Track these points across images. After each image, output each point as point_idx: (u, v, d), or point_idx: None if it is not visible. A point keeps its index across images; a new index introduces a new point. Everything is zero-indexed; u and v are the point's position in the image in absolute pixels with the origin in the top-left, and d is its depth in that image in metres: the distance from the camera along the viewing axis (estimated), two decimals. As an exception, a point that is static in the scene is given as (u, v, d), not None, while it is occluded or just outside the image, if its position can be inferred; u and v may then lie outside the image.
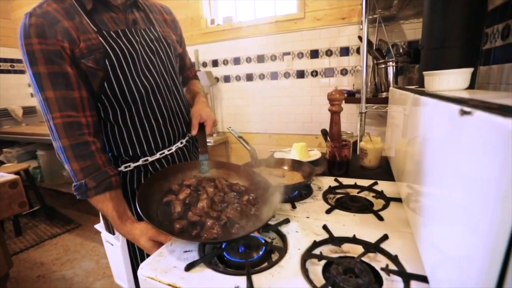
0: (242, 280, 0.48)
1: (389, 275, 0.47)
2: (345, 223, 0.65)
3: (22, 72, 3.58)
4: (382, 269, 0.48)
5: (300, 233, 0.62)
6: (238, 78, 2.65)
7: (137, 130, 0.76)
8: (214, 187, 0.72)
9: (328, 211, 0.71)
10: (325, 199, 0.79)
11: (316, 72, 2.31)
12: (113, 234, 0.77)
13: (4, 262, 1.29)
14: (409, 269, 0.48)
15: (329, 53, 2.23)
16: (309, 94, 2.38)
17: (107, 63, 0.68)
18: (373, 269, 0.50)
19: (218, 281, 0.49)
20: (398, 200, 0.75)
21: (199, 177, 0.77)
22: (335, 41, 2.19)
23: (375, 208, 0.73)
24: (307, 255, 0.53)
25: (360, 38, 1.80)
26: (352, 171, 1.02)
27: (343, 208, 0.73)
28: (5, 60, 3.42)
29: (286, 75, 2.44)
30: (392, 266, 0.49)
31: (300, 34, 2.29)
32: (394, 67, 1.54)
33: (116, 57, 0.69)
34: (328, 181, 0.91)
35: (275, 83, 2.50)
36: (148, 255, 0.60)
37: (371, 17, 1.70)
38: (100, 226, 0.82)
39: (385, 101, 1.52)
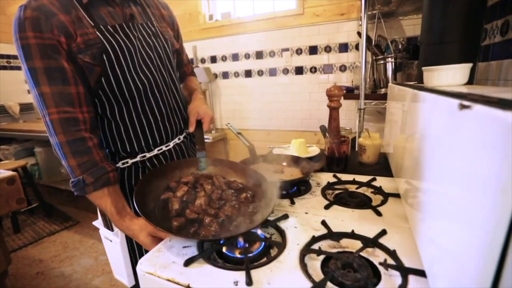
0: (241, 275, 0.48)
1: (387, 270, 0.48)
2: (344, 219, 0.66)
3: (18, 68, 3.55)
4: (380, 263, 0.48)
5: (299, 228, 0.62)
6: (236, 74, 2.64)
7: (135, 126, 0.75)
8: (212, 184, 0.72)
9: (326, 207, 0.71)
10: (324, 195, 0.79)
11: (315, 68, 2.31)
12: (112, 230, 0.77)
13: (3, 259, 1.29)
14: (407, 263, 0.49)
15: (328, 49, 2.22)
16: (308, 91, 2.37)
17: (105, 58, 0.67)
18: (371, 263, 0.50)
19: (217, 276, 0.49)
20: (397, 195, 0.75)
21: (197, 174, 0.77)
22: (334, 37, 2.18)
23: (374, 203, 0.73)
24: (306, 250, 0.54)
25: (359, 34, 1.80)
26: (351, 167, 1.02)
27: (342, 203, 0.73)
28: (1, 56, 3.38)
29: (285, 71, 2.43)
30: (390, 261, 0.50)
31: (299, 30, 2.28)
32: (393, 63, 1.54)
33: (114, 52, 0.68)
34: (326, 177, 0.92)
35: (273, 80, 2.49)
36: (146, 251, 0.60)
37: (370, 13, 1.70)
38: (98, 223, 0.82)
39: (384, 97, 1.52)
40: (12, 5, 3.47)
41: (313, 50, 2.28)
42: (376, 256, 0.52)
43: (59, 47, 0.62)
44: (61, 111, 0.63)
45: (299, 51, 2.33)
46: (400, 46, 1.65)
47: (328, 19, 2.16)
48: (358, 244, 0.55)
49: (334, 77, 2.26)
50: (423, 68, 0.73)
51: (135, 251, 0.78)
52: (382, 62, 1.58)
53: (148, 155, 0.78)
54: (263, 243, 0.57)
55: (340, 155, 0.96)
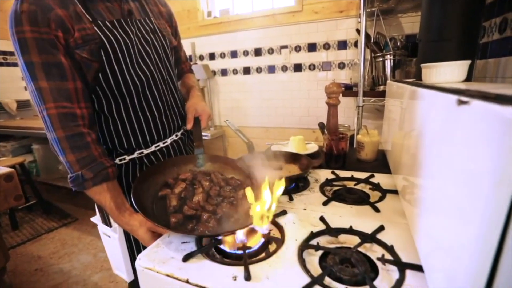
0: (239, 271, 0.48)
1: (384, 265, 0.48)
2: (342, 215, 0.66)
3: (15, 65, 3.52)
4: (378, 258, 0.49)
5: (297, 224, 0.63)
6: (235, 71, 2.64)
7: (132, 122, 0.75)
8: (210, 181, 0.72)
9: (325, 203, 0.72)
10: (322, 191, 0.80)
11: (314, 65, 2.30)
12: (110, 226, 0.77)
13: (1, 256, 1.29)
14: (405, 258, 0.49)
15: (326, 46, 2.22)
16: (306, 88, 2.37)
17: (103, 54, 0.67)
18: (369, 259, 0.50)
19: (216, 271, 0.49)
20: (394, 192, 0.75)
21: (195, 171, 0.77)
22: (333, 35, 2.18)
23: (372, 200, 0.73)
24: (304, 245, 0.54)
25: (358, 31, 1.79)
26: (349, 164, 1.02)
27: (340, 200, 0.73)
28: (-2, 53, 3.36)
29: (284, 68, 2.42)
30: (388, 256, 0.50)
31: (298, 27, 2.28)
32: (392, 61, 1.54)
33: (112, 48, 0.68)
34: (325, 174, 0.92)
35: (272, 77, 2.49)
36: (145, 247, 0.60)
37: (369, 10, 1.69)
38: (96, 219, 0.82)
39: (382, 94, 1.53)
40: (8, 1, 3.43)
41: (311, 47, 2.28)
42: (374, 252, 0.52)
43: (57, 42, 0.61)
44: (59, 106, 0.62)
45: (297, 48, 2.33)
46: (398, 44, 1.65)
47: (327, 16, 2.15)
48: (356, 239, 0.56)
49: (332, 74, 2.26)
50: (422, 65, 0.73)
51: (133, 247, 0.78)
52: (381, 59, 1.58)
53: (145, 151, 0.78)
54: (262, 239, 0.57)
55: (339, 152, 0.97)
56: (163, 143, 0.82)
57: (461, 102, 0.32)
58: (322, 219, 0.63)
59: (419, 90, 0.57)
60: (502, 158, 0.22)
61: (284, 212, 0.67)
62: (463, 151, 0.31)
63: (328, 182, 0.85)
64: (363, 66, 1.51)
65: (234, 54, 2.60)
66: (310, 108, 2.39)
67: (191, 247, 0.56)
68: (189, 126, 0.83)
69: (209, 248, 0.55)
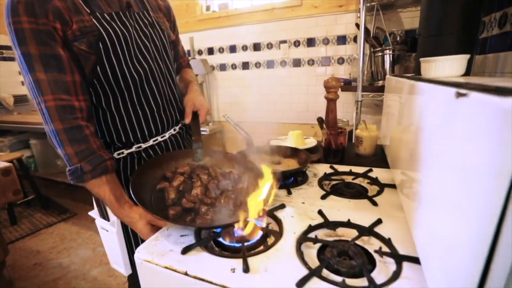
0: (238, 263, 0.49)
1: (382, 257, 0.48)
2: (340, 208, 0.66)
3: (11, 59, 3.49)
4: (375, 251, 0.49)
5: (296, 217, 0.63)
6: (234, 66, 2.62)
7: (130, 116, 0.75)
8: (208, 175, 0.72)
9: (323, 197, 0.72)
10: (321, 185, 0.80)
11: (313, 60, 2.29)
12: (108, 220, 0.77)
13: (0, 250, 1.29)
14: (402, 251, 0.50)
15: (326, 41, 2.21)
16: (305, 83, 2.36)
17: (101, 46, 0.66)
18: (366, 251, 0.51)
19: (215, 263, 0.49)
20: (392, 186, 0.76)
21: (193, 165, 0.77)
22: (332, 29, 2.16)
23: (370, 194, 0.74)
24: (303, 238, 0.54)
25: (357, 25, 1.78)
26: (348, 158, 1.02)
27: (338, 194, 0.74)
28: (-6, 47, 3.32)
29: (283, 63, 2.41)
30: (385, 249, 0.51)
31: (297, 21, 2.26)
32: (391, 55, 1.53)
33: (110, 41, 0.67)
34: (323, 168, 0.92)
35: (271, 72, 2.48)
36: (143, 241, 0.60)
37: (368, 4, 1.68)
38: (94, 213, 0.82)
39: (381, 89, 1.53)
40: (4, -6, 3.38)
41: (311, 42, 2.27)
42: (372, 244, 0.53)
43: (55, 33, 0.61)
44: (57, 99, 0.61)
45: (297, 43, 2.32)
46: (398, 39, 1.64)
47: (326, 10, 2.14)
48: (354, 232, 0.56)
49: (331, 69, 2.25)
50: (421, 59, 0.73)
51: (131, 241, 0.78)
52: (380, 54, 1.57)
53: (143, 145, 0.78)
54: (261, 232, 0.57)
55: (337, 146, 0.97)
56: (161, 137, 0.82)
57: (459, 95, 0.32)
58: (320, 212, 0.63)
59: (418, 84, 0.57)
60: (501, 150, 0.22)
61: (282, 206, 0.67)
62: (461, 145, 0.31)
63: (326, 177, 0.85)
64: (362, 61, 1.50)
65: (233, 49, 2.58)
66: (309, 103, 2.39)
67: (190, 240, 0.57)
68: (187, 120, 0.83)
69: (208, 241, 0.56)
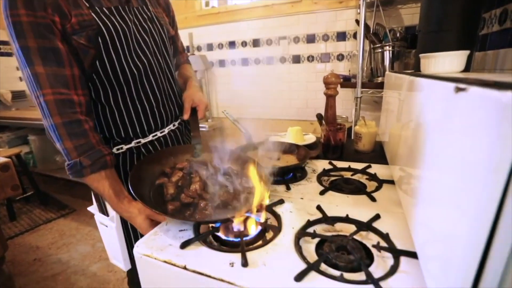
0: (237, 257, 0.49)
1: (380, 252, 0.49)
2: (339, 204, 0.66)
3: (9, 54, 3.46)
4: (373, 246, 0.50)
5: (294, 213, 0.63)
6: (233, 62, 2.61)
7: (129, 111, 0.75)
8: (207, 170, 0.72)
9: (322, 193, 0.72)
10: (319, 181, 0.80)
11: (312, 57, 2.29)
12: (107, 215, 0.77)
13: (-1, 245, 1.29)
14: (399, 246, 0.50)
15: (325, 37, 2.20)
16: (305, 80, 2.36)
17: (100, 41, 0.66)
18: (364, 246, 0.51)
19: (213, 258, 0.50)
20: (391, 182, 0.76)
21: (192, 161, 0.77)
22: (332, 26, 2.15)
23: (368, 189, 0.74)
24: (301, 233, 0.55)
25: (357, 21, 1.78)
26: (347, 154, 1.02)
27: (337, 189, 0.74)
28: (-8, 42, 3.29)
29: (282, 60, 2.40)
30: (383, 244, 0.51)
31: (297, 18, 2.25)
32: (391, 52, 1.53)
33: (110, 35, 0.67)
34: (322, 164, 0.92)
35: (270, 68, 2.47)
36: (142, 236, 0.61)
37: (368, 1, 1.67)
38: (93, 208, 0.82)
39: (381, 86, 1.52)
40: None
41: (310, 38, 2.26)
42: (370, 239, 0.53)
43: (53, 27, 0.60)
44: (56, 92, 0.61)
45: (296, 40, 2.31)
46: (398, 35, 1.64)
47: (326, 6, 2.12)
48: (352, 228, 0.56)
49: (331, 66, 2.24)
50: (420, 55, 0.73)
51: (131, 236, 0.78)
52: (380, 50, 1.57)
53: (143, 141, 0.78)
54: (259, 227, 0.58)
55: (336, 142, 0.97)
56: (161, 133, 0.81)
57: (459, 90, 0.32)
58: (319, 208, 0.63)
59: (417, 79, 0.57)
60: (500, 144, 0.22)
61: (281, 201, 0.67)
62: (460, 140, 0.31)
63: (325, 172, 0.86)
64: (362, 58, 1.50)
65: (232, 45, 2.57)
66: (309, 100, 2.38)
67: (189, 234, 0.57)
68: (186, 116, 0.83)
69: (207, 235, 0.56)
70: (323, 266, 0.46)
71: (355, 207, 0.65)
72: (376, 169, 0.86)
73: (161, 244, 0.54)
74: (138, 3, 0.77)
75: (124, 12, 0.71)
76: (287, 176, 0.83)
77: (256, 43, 2.47)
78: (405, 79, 0.71)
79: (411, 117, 0.58)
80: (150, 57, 0.76)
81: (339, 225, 0.58)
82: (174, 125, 0.86)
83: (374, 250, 0.49)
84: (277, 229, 0.57)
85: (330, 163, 0.92)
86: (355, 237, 0.53)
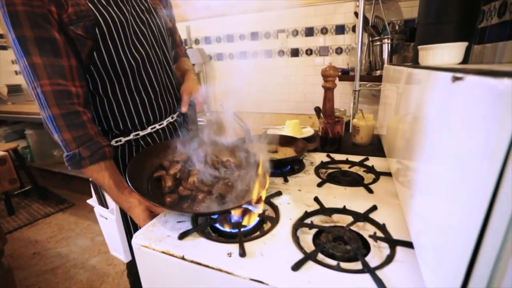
0: (234, 248, 0.49)
1: (376, 242, 0.49)
2: (336, 196, 0.67)
3: (4, 48, 3.42)
4: (370, 236, 0.50)
5: (292, 204, 0.63)
6: (231, 56, 2.59)
7: (128, 103, 0.74)
8: (205, 163, 0.72)
9: (319, 185, 0.72)
10: (317, 173, 0.80)
11: (311, 50, 2.27)
12: (107, 207, 0.78)
13: (-2, 239, 1.29)
14: (396, 236, 0.50)
15: (324, 31, 2.18)
16: (303, 73, 2.35)
17: (97, 31, 0.65)
18: (361, 237, 0.52)
19: (211, 248, 0.50)
20: (388, 174, 0.76)
21: (190, 154, 0.77)
22: (331, 19, 2.14)
23: (366, 181, 0.74)
24: (299, 224, 0.55)
25: (356, 14, 1.76)
26: (344, 147, 1.03)
27: (335, 182, 0.74)
28: (-14, 35, 3.25)
29: (280, 53, 2.39)
30: (380, 234, 0.51)
31: (295, 10, 2.23)
32: (389, 45, 1.52)
33: (107, 26, 0.66)
34: (320, 157, 0.92)
35: (269, 62, 2.46)
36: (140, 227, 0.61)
37: (368, -8, 1.66)
38: (93, 201, 0.82)
39: (379, 79, 1.52)
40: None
41: (309, 31, 2.24)
42: (366, 230, 0.54)
43: (50, 16, 0.59)
44: (54, 83, 0.60)
45: (295, 33, 2.29)
46: (397, 28, 1.63)
47: (325, -1, 2.10)
48: (349, 219, 0.57)
49: (330, 59, 2.23)
50: (419, 47, 0.73)
51: (131, 228, 0.79)
52: (379, 43, 1.56)
53: (141, 133, 0.78)
54: (257, 218, 0.58)
55: (334, 135, 0.97)
56: (159, 125, 0.81)
57: (456, 79, 0.32)
58: (316, 199, 0.63)
59: (415, 71, 0.57)
60: (495, 130, 0.23)
61: (279, 193, 0.68)
62: (457, 129, 0.31)
63: (323, 165, 0.86)
64: (360, 51, 1.49)
65: (230, 38, 2.55)
66: (307, 93, 2.38)
67: (187, 226, 0.57)
68: (184, 109, 0.82)
69: (205, 226, 0.56)
70: (320, 256, 0.47)
71: (353, 198, 0.65)
72: (374, 161, 0.86)
73: (159, 235, 0.54)
74: None
75: (122, 3, 0.70)
76: (285, 169, 0.84)
77: (254, 36, 2.45)
78: (403, 71, 0.71)
79: (409, 110, 0.59)
80: (148, 48, 0.75)
81: (336, 216, 0.59)
82: (172, 118, 0.86)
83: (370, 240, 0.50)
84: (275, 220, 0.57)
85: (328, 156, 0.92)
86: (352, 227, 0.54)
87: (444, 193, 0.33)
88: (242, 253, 0.47)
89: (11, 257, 1.89)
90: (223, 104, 0.96)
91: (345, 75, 1.79)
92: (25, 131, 2.84)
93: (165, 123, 0.83)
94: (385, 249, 0.48)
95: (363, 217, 0.56)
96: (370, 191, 0.68)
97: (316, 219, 0.58)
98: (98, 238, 2.04)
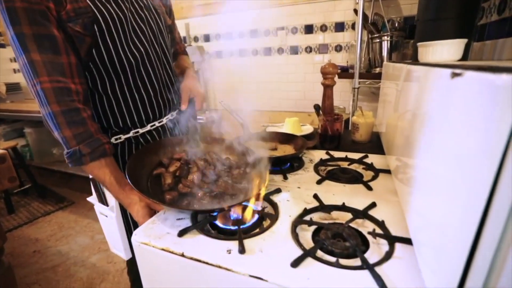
0: (234, 245, 0.49)
1: (375, 238, 0.49)
2: (335, 193, 0.67)
3: (2, 46, 3.41)
4: (369, 233, 0.50)
5: (291, 201, 0.64)
6: (230, 53, 2.59)
7: (127, 100, 0.74)
8: (205, 160, 0.72)
9: (319, 182, 0.72)
10: (316, 171, 0.81)
11: (310, 48, 2.27)
12: (107, 205, 0.78)
13: (-2, 237, 1.30)
14: (394, 233, 0.51)
15: (323, 28, 2.18)
16: (303, 71, 2.34)
17: (96, 28, 0.65)
18: (360, 233, 0.52)
19: (211, 245, 0.50)
20: (387, 171, 0.76)
21: (189, 152, 0.77)
22: (330, 16, 2.13)
23: (365, 179, 0.74)
24: (298, 221, 0.55)
25: (355, 11, 1.76)
26: (344, 145, 1.03)
27: (334, 179, 0.74)
28: (-16, 33, 3.23)
29: (280, 51, 2.38)
30: (379, 231, 0.52)
31: (295, 8, 2.22)
32: (389, 42, 1.52)
33: (105, 23, 0.66)
34: (319, 154, 0.93)
35: (268, 59, 2.45)
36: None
37: (367, -10, 1.65)
38: (93, 199, 0.82)
39: (378, 76, 1.52)
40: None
41: (308, 29, 2.23)
42: (365, 227, 0.54)
43: (48, 13, 0.59)
44: (54, 80, 0.60)
45: (294, 30, 2.28)
46: (396, 25, 1.62)
47: (324, -4, 2.09)
48: (348, 215, 0.57)
49: (329, 57, 2.23)
50: (418, 44, 0.73)
51: (131, 225, 0.79)
52: (378, 40, 1.56)
53: (141, 130, 0.78)
54: (256, 215, 0.58)
55: (333, 132, 0.97)
56: (159, 123, 0.81)
57: (454, 75, 0.32)
58: (315, 196, 0.64)
59: (414, 68, 0.57)
60: (493, 126, 0.23)
61: (278, 190, 0.68)
62: (455, 126, 0.31)
63: (322, 162, 0.86)
64: (360, 48, 1.49)
65: (229, 36, 2.54)
66: (306, 91, 2.37)
67: (186, 223, 0.57)
68: (183, 106, 0.82)
69: (204, 224, 0.56)
70: (319, 253, 0.47)
71: (352, 195, 0.66)
72: (373, 159, 0.86)
73: (159, 233, 0.54)
74: None
75: (120, 0, 0.70)
76: (284, 166, 0.84)
77: (253, 33, 2.44)
78: (403, 68, 0.71)
79: (408, 107, 0.59)
80: (147, 45, 0.75)
81: (335, 213, 0.59)
82: (172, 115, 0.86)
83: (369, 237, 0.50)
84: (274, 217, 0.57)
85: (327, 153, 0.92)
86: (351, 224, 0.54)
87: (442, 190, 0.33)
88: (242, 250, 0.47)
89: (11, 255, 1.90)
90: (223, 102, 0.96)
91: (345, 72, 1.78)
92: (24, 129, 2.84)
93: (164, 120, 0.83)
94: (384, 245, 0.48)
95: (362, 214, 0.57)
96: (369, 188, 0.68)
97: (316, 216, 0.58)
98: (98, 236, 2.05)
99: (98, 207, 0.81)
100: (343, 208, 0.59)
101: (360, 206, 0.59)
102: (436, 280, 0.33)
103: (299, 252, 0.46)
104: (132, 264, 0.91)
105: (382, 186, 0.70)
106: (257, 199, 0.59)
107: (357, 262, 0.44)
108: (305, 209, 0.59)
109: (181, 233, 0.53)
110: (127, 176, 0.60)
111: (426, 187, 0.41)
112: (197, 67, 2.63)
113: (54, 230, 2.18)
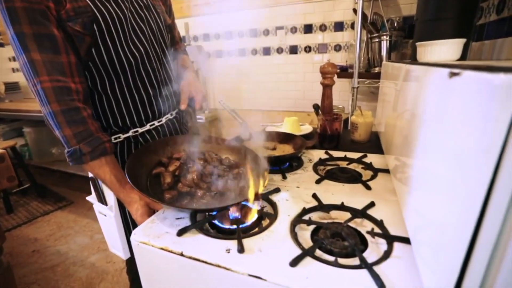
0: (233, 244, 0.49)
1: (374, 238, 0.49)
2: (334, 192, 0.67)
3: (1, 45, 3.40)
4: (367, 232, 0.50)
5: (290, 201, 0.64)
6: (230, 53, 2.58)
7: (126, 100, 0.74)
8: (204, 160, 0.72)
9: (318, 181, 0.73)
10: (316, 170, 0.81)
11: (310, 47, 2.27)
12: (106, 204, 0.78)
13: (-3, 236, 1.29)
14: (393, 232, 0.51)
15: (323, 28, 2.18)
16: (302, 71, 2.34)
17: (95, 28, 0.65)
18: (359, 233, 0.52)
19: (210, 244, 0.50)
20: (386, 171, 0.76)
21: (189, 151, 0.77)
22: (330, 15, 2.13)
23: (364, 178, 0.75)
24: (297, 220, 0.55)
25: (354, 11, 1.76)
26: (343, 144, 1.03)
27: (333, 178, 0.74)
28: (-17, 33, 3.22)
29: (279, 50, 2.38)
30: (377, 230, 0.52)
31: (294, 7, 2.22)
32: (388, 42, 1.52)
33: (105, 22, 0.66)
34: (318, 154, 0.93)
35: (267, 59, 2.45)
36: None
37: (366, -11, 1.65)
38: (92, 198, 0.82)
39: (378, 76, 1.52)
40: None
41: (308, 28, 2.23)
42: (364, 226, 0.54)
43: (48, 13, 0.59)
44: (54, 80, 0.60)
45: (293, 30, 2.28)
46: (395, 25, 1.62)
47: (324, -4, 2.09)
48: (347, 215, 0.57)
49: (328, 57, 2.23)
50: (417, 43, 0.73)
51: (129, 225, 0.79)
52: (377, 40, 1.56)
53: (140, 130, 0.78)
54: (255, 215, 0.58)
55: (333, 132, 0.97)
56: (158, 122, 0.81)
57: (453, 74, 0.33)
58: (314, 196, 0.64)
59: (413, 67, 0.57)
60: (491, 125, 0.23)
61: (277, 190, 0.68)
62: (454, 125, 0.31)
63: (321, 162, 0.86)
64: (359, 47, 1.49)
65: (229, 35, 2.54)
66: (305, 91, 2.38)
67: (186, 222, 0.57)
68: (183, 106, 0.82)
69: (203, 223, 0.56)
70: (318, 252, 0.47)
71: (351, 195, 0.66)
72: (372, 158, 0.86)
73: (158, 232, 0.54)
74: None
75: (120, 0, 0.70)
76: (283, 165, 0.84)
77: (253, 33, 2.44)
78: (402, 68, 0.71)
79: (407, 107, 0.59)
80: (147, 45, 0.75)
81: (334, 213, 0.59)
82: (171, 115, 0.86)
83: (368, 236, 0.50)
84: (273, 217, 0.57)
85: (326, 153, 0.93)
86: (350, 224, 0.54)
87: (440, 189, 0.33)
88: (241, 249, 0.47)
89: (10, 255, 1.89)
90: (222, 101, 0.96)
91: (344, 72, 1.78)
92: (23, 129, 2.83)
93: (164, 120, 0.83)
94: (382, 245, 0.48)
95: (361, 213, 0.57)
96: (368, 187, 0.68)
97: (314, 216, 0.58)
98: (97, 236, 2.05)
99: (97, 206, 0.81)
100: (342, 207, 0.59)
101: (359, 205, 0.59)
102: (434, 279, 0.33)
103: (298, 252, 0.46)
104: (131, 264, 0.91)
105: (381, 185, 0.70)
106: (256, 198, 0.59)
107: (355, 261, 0.44)
108: (304, 208, 0.59)
109: (180, 233, 0.53)
110: (126, 176, 0.60)
111: (424, 187, 0.41)
112: (196, 67, 2.62)
113: (53, 230, 2.17)
